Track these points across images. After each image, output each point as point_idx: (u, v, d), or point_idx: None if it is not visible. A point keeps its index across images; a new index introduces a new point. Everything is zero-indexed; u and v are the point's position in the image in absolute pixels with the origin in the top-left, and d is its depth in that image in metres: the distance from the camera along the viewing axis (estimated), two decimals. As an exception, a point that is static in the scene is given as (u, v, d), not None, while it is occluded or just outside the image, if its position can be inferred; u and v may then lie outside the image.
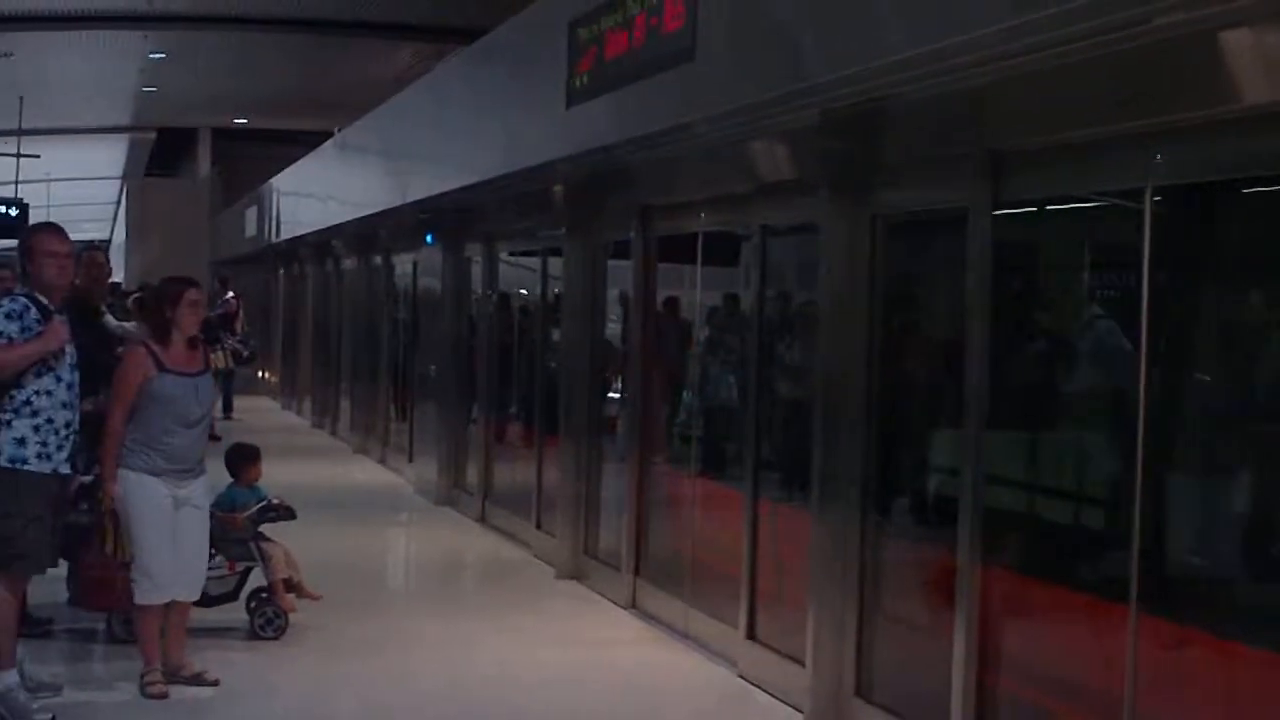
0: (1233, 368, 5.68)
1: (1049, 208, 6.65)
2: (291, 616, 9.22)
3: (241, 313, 23.49)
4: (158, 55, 25.78)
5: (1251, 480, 5.53)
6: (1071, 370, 6.52)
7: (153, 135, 37.33)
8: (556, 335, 12.46)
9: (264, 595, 9.24)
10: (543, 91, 10.67)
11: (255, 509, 9.25)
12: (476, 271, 15.24)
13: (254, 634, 9.12)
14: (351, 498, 16.09)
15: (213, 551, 8.54)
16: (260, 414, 24.97)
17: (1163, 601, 5.63)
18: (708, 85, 8.05)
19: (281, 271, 29.88)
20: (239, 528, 9.09)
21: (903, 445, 7.71)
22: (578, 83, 9.92)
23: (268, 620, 9.16)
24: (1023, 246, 6.75)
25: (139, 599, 7.79)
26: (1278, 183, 5.27)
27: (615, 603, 10.54)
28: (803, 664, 7.67)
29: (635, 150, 9.75)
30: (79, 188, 44.49)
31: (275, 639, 9.10)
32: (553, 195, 11.93)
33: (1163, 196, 5.59)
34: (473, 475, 14.91)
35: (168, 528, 7.80)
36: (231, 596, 9.19)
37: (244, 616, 9.21)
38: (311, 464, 18.37)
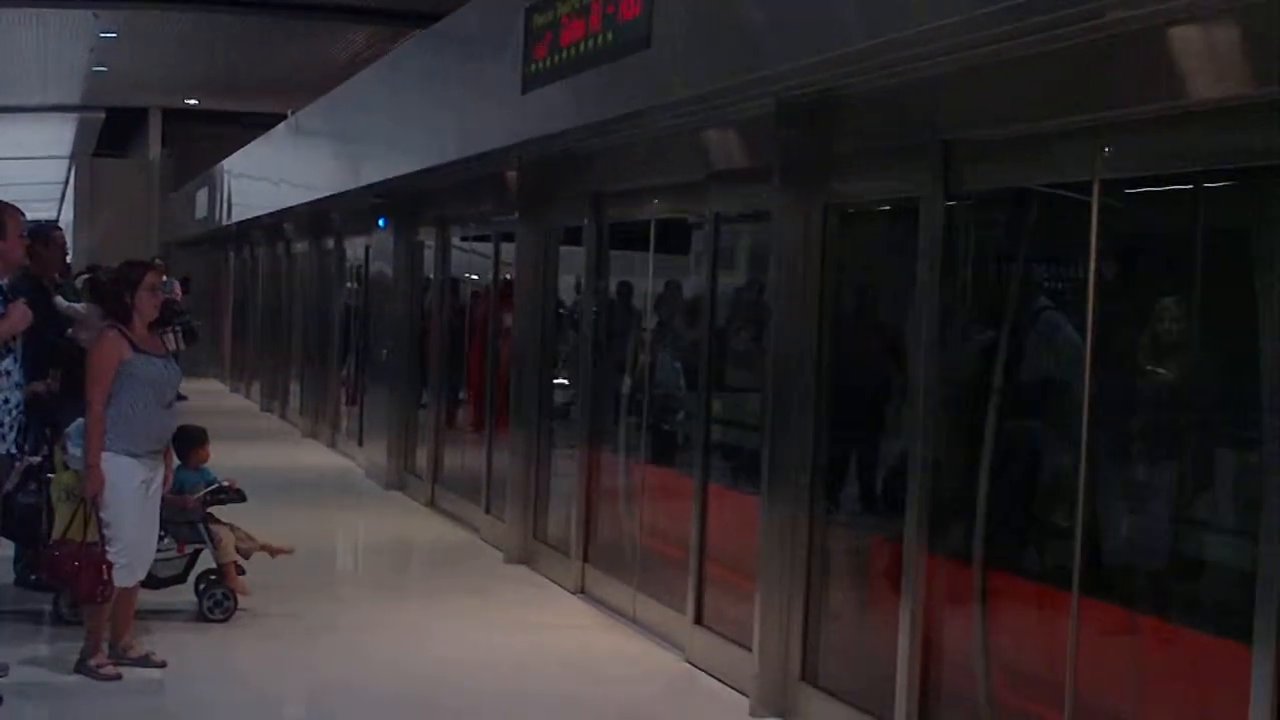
0: (1177, 359, 5.76)
1: (1000, 199, 6.71)
2: (241, 599, 9.21)
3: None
4: (108, 35, 25.57)
5: (1193, 471, 5.61)
6: (1020, 360, 6.58)
7: (102, 115, 37.02)
8: (508, 320, 12.47)
9: (213, 577, 9.23)
10: (498, 76, 10.67)
11: (206, 491, 9.23)
12: (429, 256, 15.23)
13: (202, 616, 9.11)
14: (301, 481, 16.06)
15: (162, 534, 8.52)
16: (209, 397, 24.82)
17: (1104, 589, 5.70)
18: (663, 73, 8.07)
19: (232, 254, 29.74)
20: (189, 510, 9.07)
21: (852, 433, 7.77)
22: (533, 68, 9.93)
23: (216, 602, 9.15)
24: (974, 237, 6.80)
25: (117, 582, 7.76)
26: (1223, 177, 5.35)
27: (564, 588, 10.58)
28: (749, 649, 7.72)
29: (589, 136, 9.77)
30: (26, 166, 44.09)
31: (224, 621, 9.09)
32: (506, 180, 11.93)
33: (1110, 189, 5.66)
34: (422, 459, 14.91)
35: (142, 509, 7.82)
36: (180, 578, 9.18)
37: (192, 599, 9.20)
38: (261, 447, 18.31)
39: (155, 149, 38.24)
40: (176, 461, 8.52)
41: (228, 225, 27.10)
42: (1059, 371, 6.21)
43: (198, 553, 9.20)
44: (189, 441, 9.50)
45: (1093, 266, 5.69)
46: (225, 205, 27.16)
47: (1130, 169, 5.66)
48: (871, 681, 6.91)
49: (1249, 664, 4.75)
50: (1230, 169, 5.27)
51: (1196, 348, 5.64)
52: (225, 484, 9.38)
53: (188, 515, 9.05)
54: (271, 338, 24.31)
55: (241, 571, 9.29)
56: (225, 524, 9.33)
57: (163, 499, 8.25)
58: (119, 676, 7.80)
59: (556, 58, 9.48)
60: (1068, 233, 6.15)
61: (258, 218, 24.06)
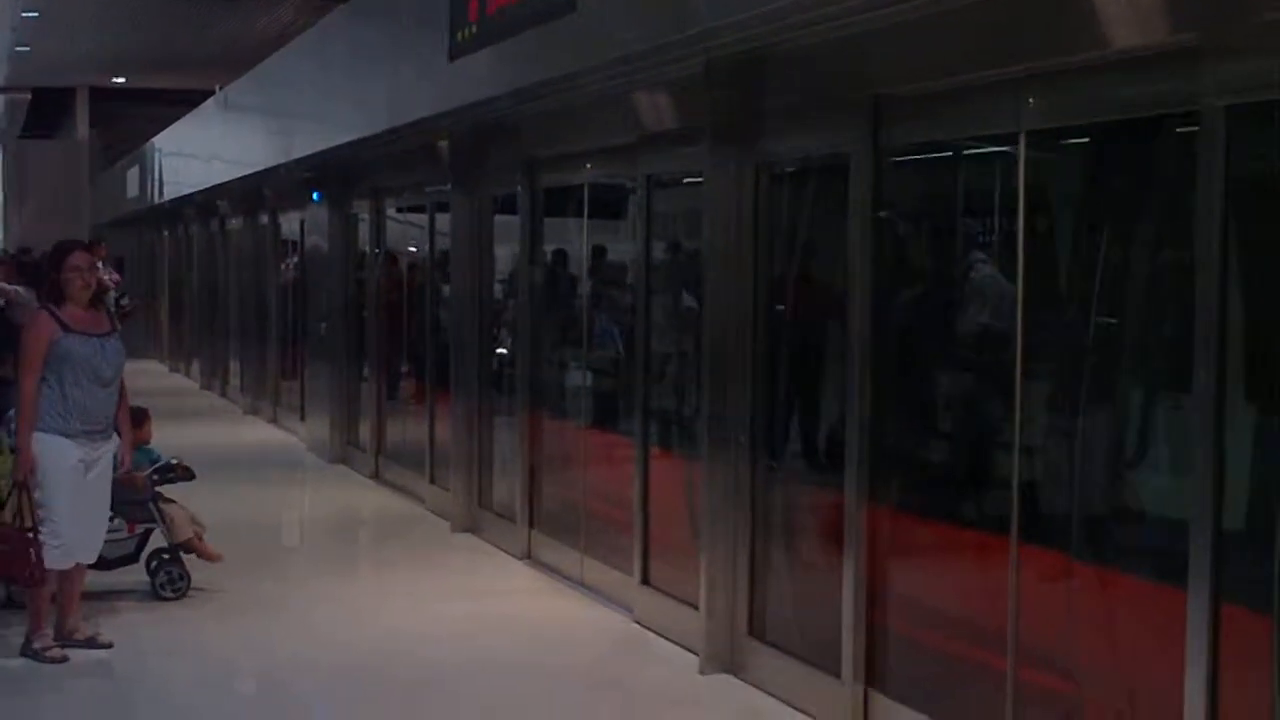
0: (1106, 307, 5.83)
1: (930, 154, 6.75)
2: (193, 578, 9.21)
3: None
4: (30, 14, 25.24)
5: (1121, 417, 5.69)
6: (954, 314, 6.64)
7: (28, 95, 36.60)
8: (446, 290, 12.47)
9: (165, 556, 9.22)
10: (426, 45, 10.63)
11: (154, 469, 9.22)
12: (364, 228, 15.18)
13: (156, 594, 9.10)
14: (245, 458, 16.01)
15: (111, 514, 8.52)
16: (148, 377, 24.67)
17: (1041, 536, 5.79)
18: (590, 35, 8.06)
19: (166, 233, 29.51)
20: (139, 489, 9.05)
21: (790, 392, 7.82)
22: (460, 36, 9.90)
23: (170, 580, 9.14)
24: (905, 192, 6.85)
25: (48, 564, 7.74)
26: (1144, 125, 5.41)
27: (511, 554, 10.61)
28: (697, 608, 7.78)
29: (518, 103, 9.76)
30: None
31: (176, 599, 9.09)
32: (438, 150, 11.90)
33: (1035, 140, 5.72)
34: (365, 432, 14.89)
35: (77, 491, 7.78)
36: (132, 558, 9.18)
37: (145, 579, 9.20)
38: (203, 426, 18.23)
39: (83, 129, 37.85)
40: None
41: (160, 204, 26.88)
42: (994, 324, 6.27)
43: (148, 533, 9.19)
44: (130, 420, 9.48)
45: (1021, 217, 5.75)
46: (157, 184, 26.93)
47: (1054, 119, 5.71)
48: (819, 634, 6.98)
49: (1185, 607, 4.83)
50: (1149, 117, 5.33)
51: (1126, 295, 5.71)
52: (173, 462, 9.36)
53: (137, 495, 9.04)
54: (209, 315, 24.16)
55: (189, 552, 9.28)
56: (178, 504, 9.32)
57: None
58: (65, 659, 7.78)
59: (483, 24, 9.45)
60: (996, 184, 6.22)
61: (190, 195, 23.88)
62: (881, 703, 6.54)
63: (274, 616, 8.99)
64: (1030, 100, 5.68)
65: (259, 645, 8.41)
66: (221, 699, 7.58)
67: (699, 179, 7.83)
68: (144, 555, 9.25)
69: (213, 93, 23.37)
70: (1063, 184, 5.95)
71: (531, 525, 10.51)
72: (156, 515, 9.13)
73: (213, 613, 8.98)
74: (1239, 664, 4.72)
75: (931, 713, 6.26)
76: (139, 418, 9.52)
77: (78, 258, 7.98)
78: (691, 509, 8.24)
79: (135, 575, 9.22)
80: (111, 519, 8.57)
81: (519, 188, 10.66)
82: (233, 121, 20.33)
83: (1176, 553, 4.89)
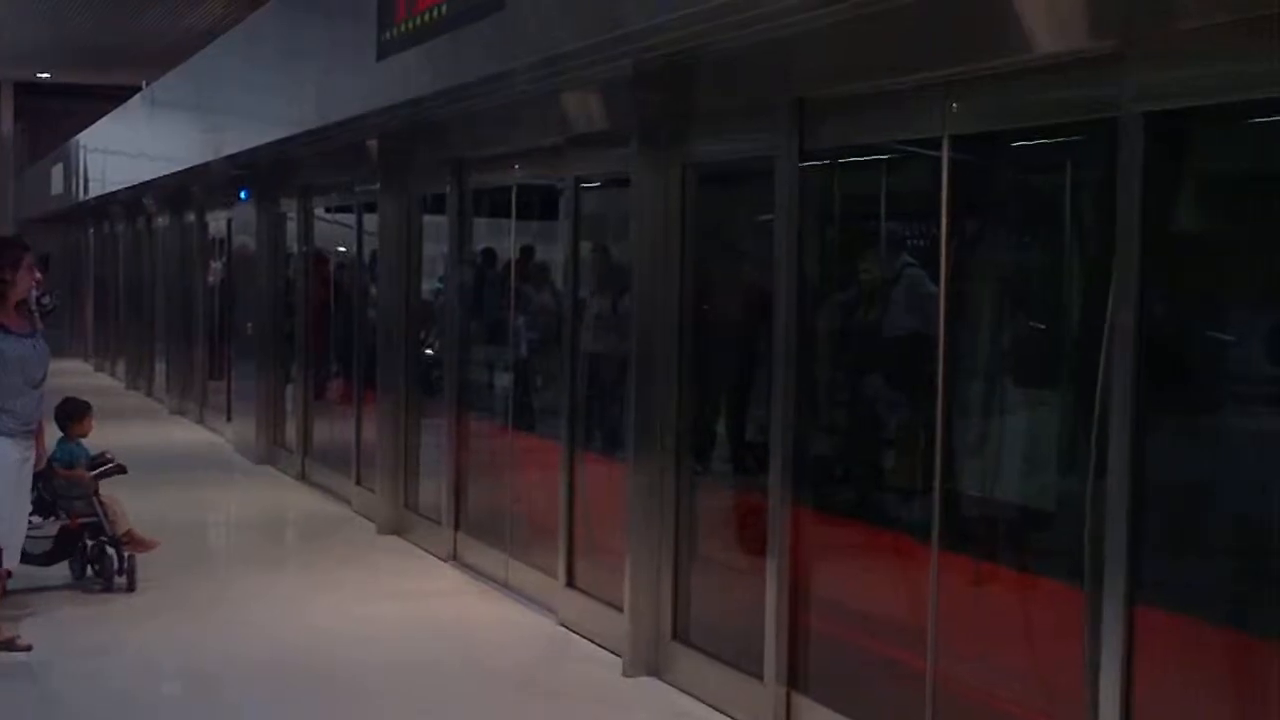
0: (1027, 311, 5.87)
1: (854, 157, 6.78)
2: (117, 577, 9.26)
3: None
4: (-46, 8, 24.92)
5: (1047, 420, 5.73)
6: (879, 317, 6.66)
7: (-51, 90, 36.13)
8: (374, 291, 12.41)
9: (95, 548, 9.23)
10: (354, 43, 10.58)
11: (99, 470, 9.23)
12: (291, 228, 15.08)
13: (107, 586, 9.17)
14: (170, 458, 15.88)
15: (32, 511, 8.50)
16: (73, 376, 24.41)
17: (962, 540, 5.82)
18: (517, 36, 8.04)
19: (91, 230, 29.22)
20: (83, 484, 9.04)
21: (716, 394, 7.83)
22: (389, 34, 9.86)
23: (120, 563, 9.21)
24: (829, 195, 6.87)
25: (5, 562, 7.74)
26: (1065, 130, 5.46)
27: (437, 556, 10.58)
28: (621, 610, 7.78)
29: (447, 103, 9.72)
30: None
31: (131, 584, 9.18)
32: (367, 149, 11.84)
33: (958, 145, 5.75)
34: (292, 433, 14.80)
35: (16, 491, 7.73)
36: (61, 554, 9.16)
37: (67, 576, 9.25)
38: (128, 425, 18.04)
39: (7, 124, 37.40)
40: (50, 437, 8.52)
41: (85, 201, 26.61)
42: (918, 326, 6.29)
43: (75, 529, 9.11)
44: (72, 413, 9.48)
45: (944, 221, 5.78)
46: (82, 181, 26.65)
47: (977, 124, 5.75)
48: (742, 637, 6.99)
49: (1100, 610, 4.87)
50: (1070, 122, 5.37)
51: (1048, 299, 5.75)
52: (108, 457, 9.35)
53: (82, 490, 9.03)
54: (135, 314, 23.96)
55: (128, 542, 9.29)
56: (113, 496, 9.33)
57: (56, 474, 8.26)
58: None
59: (411, 23, 9.42)
60: (920, 187, 6.24)
61: (116, 193, 23.66)
62: (803, 704, 6.55)
63: (199, 618, 8.92)
64: (954, 104, 5.71)
65: (185, 646, 8.34)
66: (146, 699, 7.51)
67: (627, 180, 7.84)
68: (73, 551, 9.26)
69: (140, 89, 23.13)
70: (985, 188, 5.99)
71: (457, 527, 10.48)
72: (99, 509, 9.10)
73: (138, 613, 8.92)
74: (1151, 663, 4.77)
75: (853, 714, 6.29)
76: (81, 411, 9.54)
77: (30, 256, 7.98)
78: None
79: (59, 572, 9.19)
80: (58, 516, 8.65)
81: (447, 188, 10.62)
82: (159, 118, 20.14)
83: (1095, 555, 4.93)
